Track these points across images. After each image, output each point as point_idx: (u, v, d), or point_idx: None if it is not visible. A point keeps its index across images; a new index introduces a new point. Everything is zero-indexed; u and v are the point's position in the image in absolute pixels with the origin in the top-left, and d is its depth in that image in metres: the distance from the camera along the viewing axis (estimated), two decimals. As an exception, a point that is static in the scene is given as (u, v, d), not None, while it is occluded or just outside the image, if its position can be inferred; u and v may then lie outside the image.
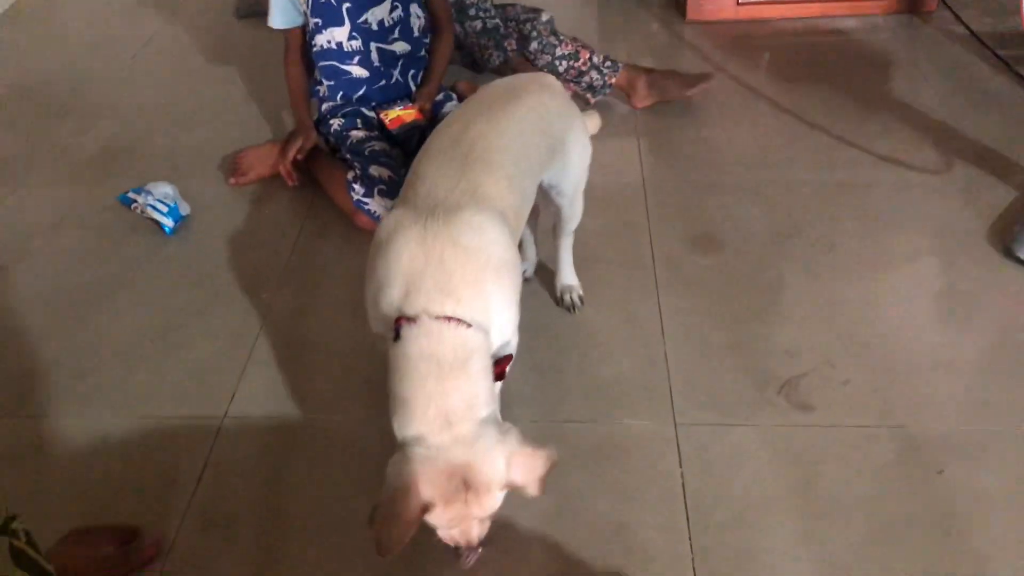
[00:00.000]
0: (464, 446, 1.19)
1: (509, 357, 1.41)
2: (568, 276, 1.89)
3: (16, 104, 2.89)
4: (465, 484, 1.18)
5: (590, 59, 2.50)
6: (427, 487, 1.18)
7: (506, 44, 2.53)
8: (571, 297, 1.88)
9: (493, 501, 1.22)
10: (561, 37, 2.52)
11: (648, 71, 2.56)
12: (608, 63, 2.52)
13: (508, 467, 1.19)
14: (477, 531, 1.29)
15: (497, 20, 2.56)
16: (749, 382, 1.70)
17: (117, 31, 3.34)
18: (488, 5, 2.57)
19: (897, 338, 1.79)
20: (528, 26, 2.54)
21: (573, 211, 1.76)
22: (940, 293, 1.92)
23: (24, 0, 3.58)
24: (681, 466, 1.55)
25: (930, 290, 1.93)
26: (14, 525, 1.19)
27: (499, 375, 1.34)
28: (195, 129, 2.65)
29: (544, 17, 2.59)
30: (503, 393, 1.55)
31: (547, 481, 1.21)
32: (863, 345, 1.77)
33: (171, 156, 2.52)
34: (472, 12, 2.54)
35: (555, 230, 1.82)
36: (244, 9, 3.29)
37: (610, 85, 2.53)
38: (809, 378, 1.70)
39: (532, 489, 1.21)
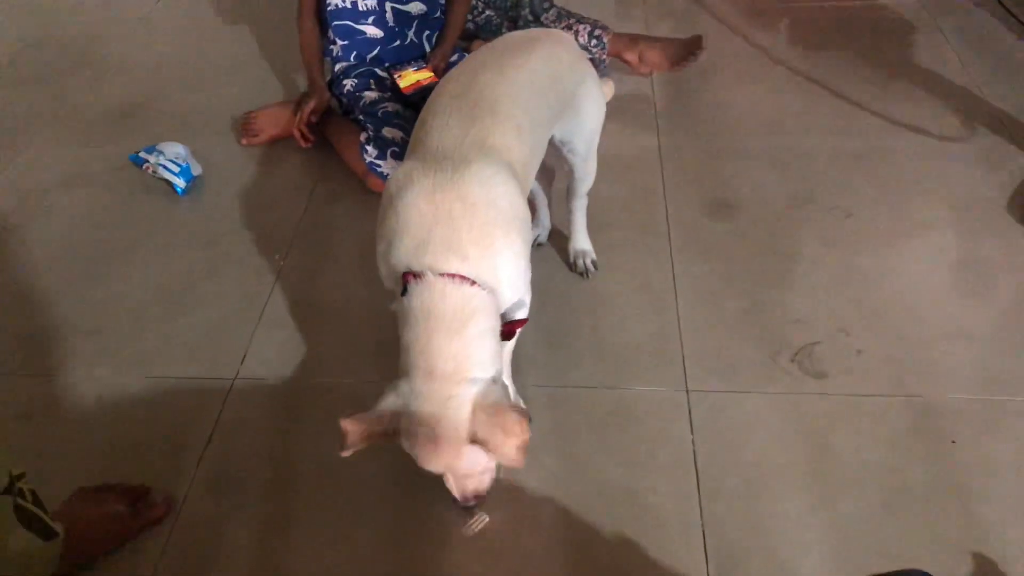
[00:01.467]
0: (438, 401, 1.19)
1: (523, 321, 1.40)
2: (582, 241, 1.88)
3: (30, 60, 2.87)
4: (432, 436, 1.20)
5: (576, 40, 2.45)
6: (401, 421, 1.21)
7: (504, 32, 2.51)
8: (584, 262, 1.87)
9: (464, 458, 1.22)
10: (544, 20, 2.47)
11: (635, 42, 2.48)
12: (594, 41, 2.46)
13: (472, 421, 1.18)
14: (473, 485, 1.30)
15: (487, 13, 2.53)
16: (762, 349, 1.68)
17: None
18: (474, 2, 2.54)
19: (913, 307, 1.76)
20: (514, 12, 2.51)
21: (587, 170, 1.73)
22: (957, 263, 1.89)
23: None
24: (692, 433, 1.54)
25: (947, 259, 1.90)
26: (20, 484, 1.20)
27: (507, 335, 1.33)
28: (208, 88, 2.63)
29: None
30: (515, 357, 1.54)
31: (527, 452, 1.18)
32: (878, 314, 1.75)
33: (183, 115, 2.50)
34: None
35: (569, 192, 1.80)
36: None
37: (603, 61, 2.48)
38: (823, 346, 1.68)
39: (508, 454, 1.19)
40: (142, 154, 2.25)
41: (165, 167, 2.18)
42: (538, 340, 1.69)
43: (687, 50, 2.44)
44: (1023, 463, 1.47)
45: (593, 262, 1.87)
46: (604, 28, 2.48)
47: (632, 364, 1.67)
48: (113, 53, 2.87)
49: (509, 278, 1.29)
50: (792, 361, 1.66)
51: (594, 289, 1.85)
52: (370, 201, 2.07)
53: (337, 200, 2.15)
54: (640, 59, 2.48)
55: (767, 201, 2.06)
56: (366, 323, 1.79)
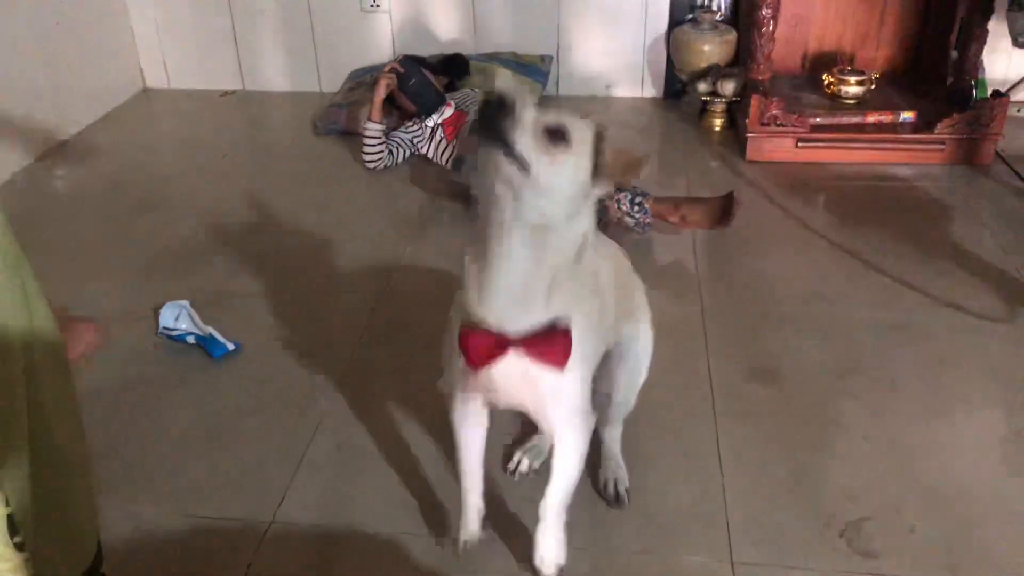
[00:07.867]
0: None
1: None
2: (613, 467, 1.72)
3: (105, 199, 3.04)
4: None
5: (618, 207, 2.56)
6: None
7: None
8: (618, 489, 1.69)
9: None
10: None
11: (676, 205, 2.61)
12: (636, 207, 2.56)
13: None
14: None
15: None
16: (810, 522, 1.64)
17: (204, 137, 3.55)
18: None
19: (964, 484, 1.72)
20: None
21: (627, 397, 1.69)
22: (1006, 439, 1.86)
23: (121, 107, 3.82)
24: (738, 607, 1.48)
25: (996, 436, 1.87)
26: None
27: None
28: (263, 234, 2.75)
29: None
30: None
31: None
32: (929, 491, 1.71)
33: (238, 257, 2.60)
34: None
35: (603, 419, 1.68)
36: (323, 127, 3.47)
37: (647, 224, 2.58)
38: (873, 522, 1.63)
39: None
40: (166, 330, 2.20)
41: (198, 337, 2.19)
42: (580, 501, 1.66)
43: (725, 210, 2.55)
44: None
45: (627, 490, 1.69)
46: (644, 194, 2.58)
47: (676, 530, 1.63)
48: (183, 196, 3.04)
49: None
50: (841, 536, 1.61)
51: (636, 450, 1.83)
52: (416, 349, 2.11)
53: (383, 345, 2.19)
54: (683, 220, 2.58)
55: (809, 368, 2.06)
56: (409, 472, 1.78)
